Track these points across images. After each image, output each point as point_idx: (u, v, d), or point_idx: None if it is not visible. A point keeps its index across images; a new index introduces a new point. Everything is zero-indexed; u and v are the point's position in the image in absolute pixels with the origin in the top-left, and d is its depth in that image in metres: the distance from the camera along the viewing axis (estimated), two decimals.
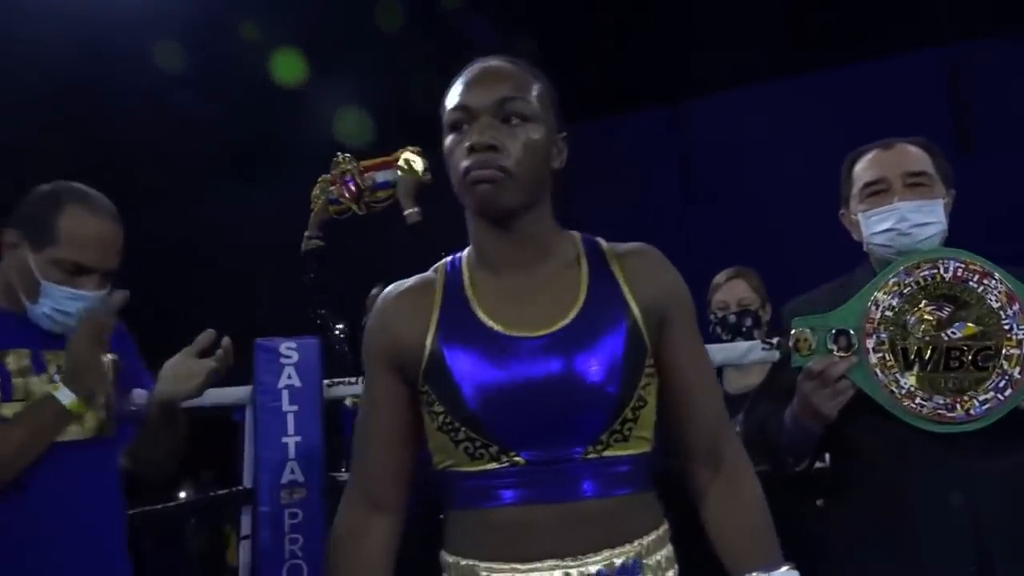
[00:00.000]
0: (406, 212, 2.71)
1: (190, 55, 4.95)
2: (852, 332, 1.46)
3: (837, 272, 1.68)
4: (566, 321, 1.08)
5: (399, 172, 2.76)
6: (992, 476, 1.41)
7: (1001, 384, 1.39)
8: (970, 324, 1.41)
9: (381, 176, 2.82)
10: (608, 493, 1.06)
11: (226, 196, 6.18)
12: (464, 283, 1.14)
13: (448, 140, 1.11)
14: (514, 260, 1.12)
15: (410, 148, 2.80)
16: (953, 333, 1.41)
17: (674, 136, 5.97)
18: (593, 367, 1.06)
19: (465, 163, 1.07)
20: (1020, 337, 1.38)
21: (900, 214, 1.52)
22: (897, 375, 1.43)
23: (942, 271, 1.43)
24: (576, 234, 1.20)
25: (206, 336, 1.56)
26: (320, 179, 2.86)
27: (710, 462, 1.17)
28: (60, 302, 1.45)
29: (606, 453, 1.06)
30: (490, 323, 1.09)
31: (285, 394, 2.67)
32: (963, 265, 1.42)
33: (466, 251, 1.19)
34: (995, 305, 1.40)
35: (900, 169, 1.56)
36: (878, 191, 1.57)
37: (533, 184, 1.09)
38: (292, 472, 2.63)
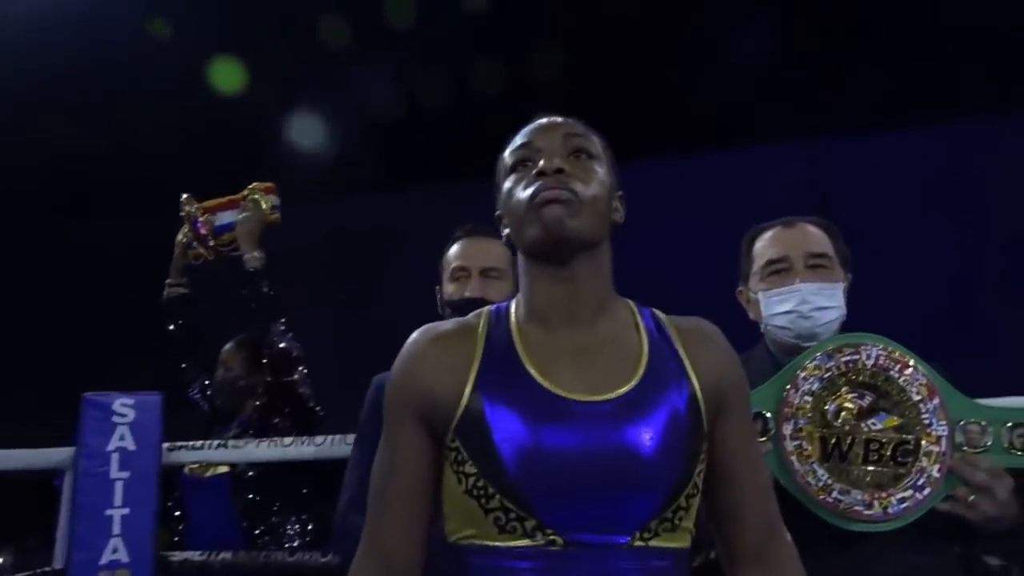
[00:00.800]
0: (245, 256, 2.39)
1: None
2: (769, 416, 1.38)
3: None
4: (628, 387, 0.97)
5: (244, 212, 2.49)
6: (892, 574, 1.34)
7: (920, 482, 1.32)
8: (891, 416, 1.35)
9: (225, 217, 2.52)
10: None
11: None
12: (512, 333, 1.03)
13: (509, 181, 1.05)
14: (569, 313, 1.01)
15: (259, 184, 2.52)
16: (874, 424, 1.35)
17: None
18: (655, 442, 0.94)
19: (532, 187, 1.00)
20: (939, 434, 1.33)
21: (802, 296, 1.50)
22: (814, 465, 1.35)
23: (864, 358, 1.37)
24: (629, 301, 1.09)
25: None
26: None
27: (756, 566, 1.05)
28: None
29: (652, 543, 0.94)
30: (541, 380, 0.97)
31: (115, 458, 2.27)
32: (885, 353, 1.37)
33: (513, 303, 1.08)
34: (916, 398, 1.34)
35: (802, 249, 1.54)
36: (779, 270, 1.55)
37: (598, 221, 1.02)
38: (115, 551, 2.23)
